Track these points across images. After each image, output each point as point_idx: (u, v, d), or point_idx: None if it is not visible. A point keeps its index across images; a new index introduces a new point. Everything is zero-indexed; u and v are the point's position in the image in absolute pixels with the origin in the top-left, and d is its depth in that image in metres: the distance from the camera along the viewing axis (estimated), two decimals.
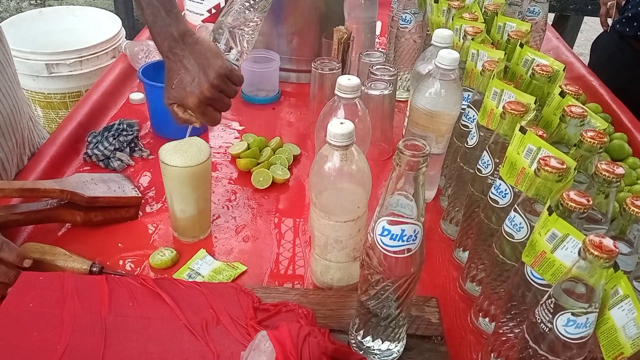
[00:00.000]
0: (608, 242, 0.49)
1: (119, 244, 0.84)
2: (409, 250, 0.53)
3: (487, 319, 0.73)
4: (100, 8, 2.09)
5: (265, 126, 1.18)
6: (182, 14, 1.66)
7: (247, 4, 0.87)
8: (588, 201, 0.55)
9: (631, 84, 1.35)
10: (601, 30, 1.63)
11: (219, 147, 1.10)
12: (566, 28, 2.48)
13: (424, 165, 0.48)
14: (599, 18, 1.62)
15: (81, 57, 1.60)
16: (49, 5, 2.50)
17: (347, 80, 0.76)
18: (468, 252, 0.80)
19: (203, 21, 1.61)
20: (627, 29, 1.41)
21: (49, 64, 1.59)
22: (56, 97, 1.64)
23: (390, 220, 0.51)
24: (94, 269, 0.76)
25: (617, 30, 1.45)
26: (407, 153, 0.48)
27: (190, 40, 0.78)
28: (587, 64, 1.50)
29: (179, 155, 0.78)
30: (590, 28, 3.76)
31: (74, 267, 0.76)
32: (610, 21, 1.55)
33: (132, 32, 2.17)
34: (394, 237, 0.51)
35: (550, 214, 0.55)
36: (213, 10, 1.58)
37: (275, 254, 0.85)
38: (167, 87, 0.80)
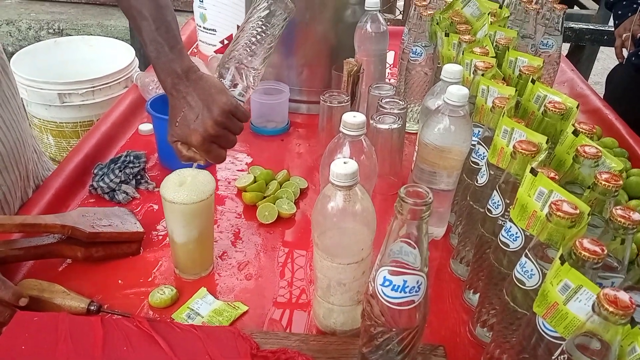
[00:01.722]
0: (624, 296, 0.46)
1: (119, 281, 0.82)
2: (412, 302, 0.50)
3: None
4: (117, 37, 2.12)
5: (273, 158, 1.17)
6: (195, 44, 1.69)
7: (253, 39, 0.86)
8: (602, 250, 0.52)
9: None
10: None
11: (226, 179, 1.09)
12: (582, 58, 2.45)
13: (427, 213, 0.46)
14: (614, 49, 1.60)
15: (93, 87, 1.62)
16: (67, 34, 2.55)
17: (353, 118, 0.74)
18: (478, 295, 0.77)
19: (216, 52, 1.63)
20: None
21: (62, 94, 1.60)
22: (68, 126, 1.66)
23: (392, 271, 0.49)
24: (92, 308, 0.75)
25: (632, 62, 1.42)
26: (409, 201, 0.45)
27: (194, 77, 0.78)
28: (602, 95, 1.47)
29: (181, 191, 0.77)
30: (607, 57, 3.73)
31: (71, 306, 0.75)
32: (625, 53, 1.52)
33: (146, 61, 2.19)
34: (396, 288, 0.49)
35: (562, 264, 0.52)
36: (225, 41, 1.59)
37: (278, 293, 0.83)
38: (171, 124, 0.79)
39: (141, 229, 0.88)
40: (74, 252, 0.82)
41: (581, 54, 2.46)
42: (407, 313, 0.51)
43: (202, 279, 0.84)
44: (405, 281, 0.49)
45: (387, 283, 0.49)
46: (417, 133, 1.08)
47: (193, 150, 0.79)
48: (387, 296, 0.50)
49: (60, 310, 0.74)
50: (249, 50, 0.86)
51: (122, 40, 2.15)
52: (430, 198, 0.46)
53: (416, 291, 0.50)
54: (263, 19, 0.92)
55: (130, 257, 0.86)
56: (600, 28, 2.29)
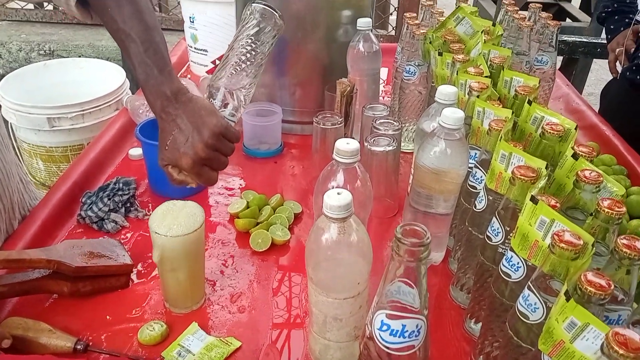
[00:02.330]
0: (634, 337, 0.44)
1: (107, 317, 0.79)
2: (411, 347, 0.48)
3: None
4: (108, 58, 2.11)
5: (266, 180, 1.15)
6: (187, 65, 1.68)
7: (243, 57, 0.84)
8: (609, 285, 0.50)
9: None
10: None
11: (218, 204, 1.06)
12: (575, 70, 2.45)
13: (425, 254, 0.44)
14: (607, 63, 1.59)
15: (83, 110, 1.60)
16: (59, 56, 2.54)
17: (346, 145, 0.72)
18: (480, 325, 0.74)
19: (207, 72, 1.61)
20: (638, 77, 1.37)
21: (51, 118, 1.58)
22: (58, 150, 1.63)
23: (390, 314, 0.46)
24: (79, 347, 0.72)
25: (627, 77, 1.41)
26: (406, 242, 0.43)
27: (184, 99, 0.76)
28: (597, 110, 1.46)
29: (169, 223, 0.74)
30: (600, 68, 3.74)
31: (57, 345, 0.72)
32: (619, 68, 1.51)
33: (137, 83, 2.18)
34: (394, 332, 0.46)
35: (567, 300, 0.50)
36: (217, 62, 1.58)
37: (272, 326, 0.80)
38: (161, 148, 0.78)
39: (130, 261, 0.85)
40: (60, 287, 0.80)
41: (575, 67, 2.46)
42: (406, 358, 0.48)
43: (194, 312, 0.81)
44: (404, 325, 0.46)
45: (385, 327, 0.47)
46: (412, 153, 1.06)
47: (184, 173, 0.77)
48: (385, 341, 0.47)
49: (46, 350, 0.71)
50: (239, 69, 0.85)
51: (114, 60, 2.13)
52: (428, 238, 0.44)
53: (416, 336, 0.47)
54: (252, 37, 0.91)
55: (119, 291, 0.84)
56: (594, 41, 2.29)
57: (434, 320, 0.82)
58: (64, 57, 2.37)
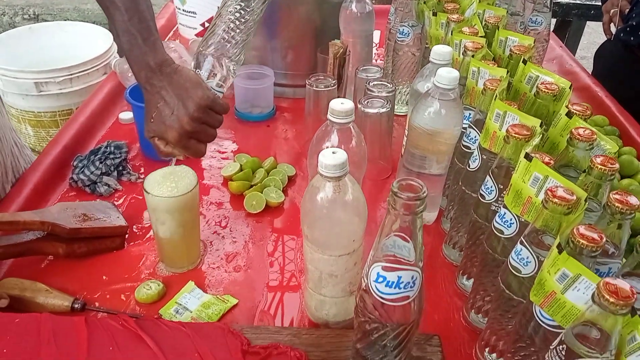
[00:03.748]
0: (625, 286, 0.45)
1: (104, 277, 0.80)
2: (406, 297, 0.49)
3: (494, 355, 0.69)
4: (94, 22, 2.06)
5: (259, 144, 1.14)
6: (175, 28, 1.64)
7: (232, 25, 0.82)
8: (601, 238, 0.51)
9: (637, 94, 1.31)
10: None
11: (211, 167, 1.06)
12: (569, 33, 2.43)
13: (421, 208, 0.44)
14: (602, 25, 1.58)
15: (71, 74, 1.56)
16: (43, 20, 2.48)
17: (341, 105, 0.72)
18: (472, 280, 0.76)
19: (196, 35, 1.58)
20: (632, 38, 1.36)
21: (38, 82, 1.55)
22: (46, 115, 1.61)
23: (386, 266, 0.47)
24: (76, 306, 0.73)
25: (621, 39, 1.41)
26: (403, 196, 0.43)
27: (169, 70, 0.74)
28: (590, 72, 1.45)
29: (163, 185, 0.74)
30: (593, 31, 3.71)
31: (55, 304, 0.72)
32: (613, 29, 1.51)
33: None
34: (390, 284, 0.47)
35: (560, 252, 0.51)
36: (206, 24, 1.54)
37: (268, 284, 0.81)
38: (147, 119, 0.76)
39: (124, 223, 0.85)
40: (55, 249, 0.80)
41: (568, 29, 2.44)
42: (402, 309, 0.49)
43: (190, 272, 0.82)
44: (399, 277, 0.47)
45: (380, 279, 0.47)
46: (406, 115, 1.06)
47: (171, 146, 0.76)
48: (381, 292, 0.48)
49: (43, 309, 0.72)
50: (227, 37, 0.82)
51: (100, 24, 2.08)
52: (424, 192, 0.44)
53: (411, 287, 0.48)
54: (242, 3, 0.88)
55: (115, 252, 0.84)
56: (587, 3, 2.27)
57: (427, 278, 0.81)
58: (48, 22, 2.31)
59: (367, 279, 0.49)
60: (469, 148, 0.82)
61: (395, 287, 0.47)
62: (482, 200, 0.71)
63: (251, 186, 0.98)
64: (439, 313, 0.78)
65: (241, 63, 0.86)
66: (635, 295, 0.44)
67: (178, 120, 0.72)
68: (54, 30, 1.81)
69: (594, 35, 3.76)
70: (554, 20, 2.44)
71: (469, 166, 0.77)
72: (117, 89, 1.27)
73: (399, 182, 0.45)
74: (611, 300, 0.44)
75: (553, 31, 2.01)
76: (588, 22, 2.51)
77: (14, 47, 1.71)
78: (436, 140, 0.83)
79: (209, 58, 0.81)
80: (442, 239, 0.90)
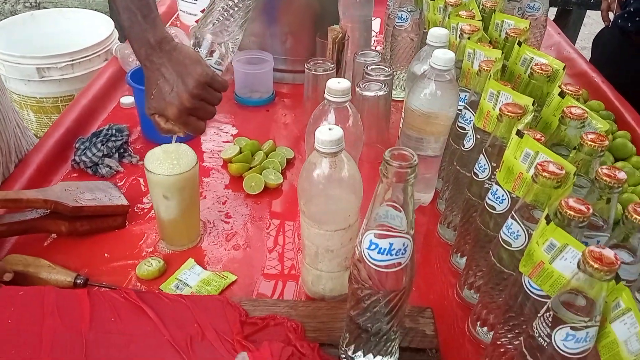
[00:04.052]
0: (609, 253, 0.46)
1: (106, 254, 0.81)
2: (398, 264, 0.50)
3: (485, 328, 0.70)
4: (95, 9, 2.06)
5: (259, 128, 1.16)
6: (176, 14, 1.65)
7: (230, 3, 0.83)
8: (588, 209, 0.52)
9: (634, 80, 1.32)
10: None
11: (211, 151, 1.08)
12: (568, 22, 2.43)
13: (412, 176, 0.46)
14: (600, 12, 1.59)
15: (73, 60, 1.58)
16: (44, 7, 2.48)
17: (337, 84, 0.73)
18: (465, 258, 0.77)
19: (197, 22, 1.59)
20: (629, 24, 1.37)
21: (40, 68, 1.56)
22: (48, 101, 1.62)
23: (378, 234, 0.48)
24: (79, 281, 0.74)
25: (618, 25, 1.41)
26: (394, 164, 0.45)
27: (168, 47, 0.75)
28: (589, 60, 1.46)
29: (164, 163, 0.76)
30: (594, 22, 3.70)
31: (57, 280, 0.74)
32: (611, 16, 1.51)
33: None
34: (382, 251, 0.49)
35: (548, 223, 0.52)
36: None
37: (266, 262, 0.82)
38: (147, 96, 0.77)
39: (126, 202, 0.87)
40: (58, 227, 0.81)
41: (568, 19, 2.44)
42: (393, 275, 0.51)
43: (190, 250, 0.83)
44: (391, 244, 0.49)
45: (373, 246, 0.49)
46: (403, 101, 1.07)
47: (171, 122, 0.77)
48: (374, 259, 0.50)
49: (47, 284, 0.73)
50: (226, 15, 0.83)
51: (101, 12, 2.09)
52: (415, 160, 0.46)
53: (402, 253, 0.50)
54: None
55: (116, 231, 0.86)
56: None
57: (422, 257, 0.85)
58: (50, 9, 2.32)
59: (360, 247, 0.51)
60: (464, 129, 0.83)
61: (387, 254, 0.49)
62: (475, 178, 0.72)
63: (250, 168, 1.00)
64: (434, 291, 0.79)
65: (239, 42, 0.87)
66: (618, 262, 0.46)
67: (178, 96, 0.73)
68: (55, 17, 1.82)
69: (594, 26, 3.75)
70: (553, 10, 2.45)
71: (463, 146, 0.79)
72: (119, 74, 1.28)
73: (390, 151, 0.46)
74: (595, 266, 0.45)
75: (553, 20, 2.01)
76: (589, 13, 2.51)
77: (16, 33, 1.73)
78: (432, 121, 0.84)
79: (208, 36, 0.82)
80: (437, 219, 0.91)
